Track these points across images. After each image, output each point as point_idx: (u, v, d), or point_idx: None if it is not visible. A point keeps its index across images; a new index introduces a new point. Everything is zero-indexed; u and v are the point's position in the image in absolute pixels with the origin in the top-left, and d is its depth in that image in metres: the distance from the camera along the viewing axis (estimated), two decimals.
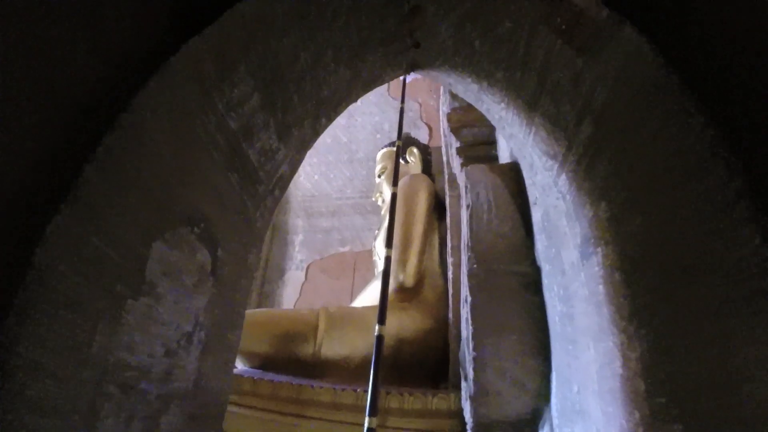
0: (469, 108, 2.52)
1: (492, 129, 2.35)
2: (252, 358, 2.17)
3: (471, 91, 1.63)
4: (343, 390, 1.83)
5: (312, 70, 1.48)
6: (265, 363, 2.15)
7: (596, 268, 0.99)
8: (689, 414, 0.68)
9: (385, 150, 3.57)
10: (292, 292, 5.04)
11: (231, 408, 1.99)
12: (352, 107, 5.22)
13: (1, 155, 0.66)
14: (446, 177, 2.65)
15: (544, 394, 1.34)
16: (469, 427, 1.39)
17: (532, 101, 1.26)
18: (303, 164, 5.44)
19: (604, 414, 0.90)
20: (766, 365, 0.59)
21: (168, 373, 0.90)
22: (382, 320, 1.27)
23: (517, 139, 1.46)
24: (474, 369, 1.35)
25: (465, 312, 1.55)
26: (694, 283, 0.70)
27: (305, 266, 5.13)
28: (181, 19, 1.01)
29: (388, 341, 2.14)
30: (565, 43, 1.05)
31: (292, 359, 2.13)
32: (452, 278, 2.17)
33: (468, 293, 1.49)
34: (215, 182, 1.11)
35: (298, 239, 5.30)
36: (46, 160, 0.72)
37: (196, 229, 1.02)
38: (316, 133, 1.77)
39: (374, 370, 1.07)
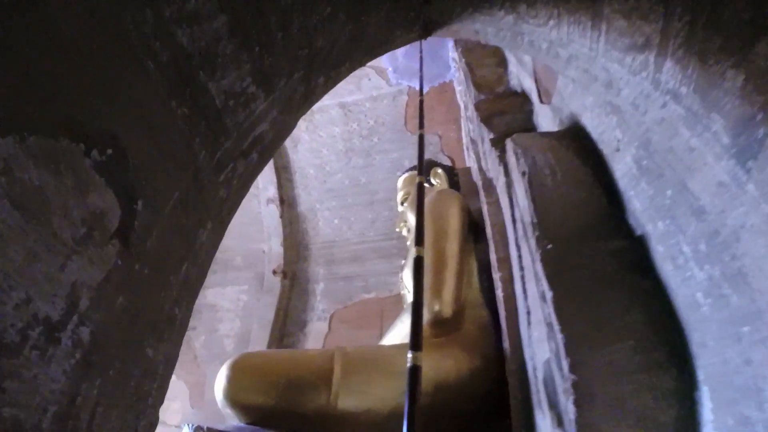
0: (498, 97, 2.16)
1: (527, 115, 1.95)
2: (247, 412, 1.69)
3: (505, 27, 1.26)
4: None
5: (302, 7, 1.14)
6: (264, 418, 1.67)
7: None
8: None
9: (406, 175, 3.18)
10: (315, 345, 4.51)
11: None
12: (368, 147, 4.99)
13: None
14: (480, 184, 2.21)
15: (689, 427, 0.80)
16: None
17: None
18: (321, 209, 5.15)
19: None
20: None
21: None
22: (416, 345, 0.81)
23: (581, 59, 1.04)
24: (575, 402, 0.82)
25: (543, 317, 1.03)
26: None
27: (328, 316, 4.61)
28: None
29: (423, 386, 1.61)
30: None
31: (300, 413, 1.64)
32: (503, 297, 1.67)
33: (546, 286, 1.00)
34: (145, 105, 0.73)
35: (319, 288, 4.83)
36: None
37: (95, 154, 0.62)
38: (311, 94, 1.40)
39: (408, 420, 0.61)
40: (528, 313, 1.31)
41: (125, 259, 0.67)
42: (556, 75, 1.59)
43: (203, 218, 0.90)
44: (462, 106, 3.39)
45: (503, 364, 1.70)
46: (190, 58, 0.87)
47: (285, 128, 1.30)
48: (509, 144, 1.46)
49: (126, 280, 0.67)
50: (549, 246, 1.04)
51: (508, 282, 1.68)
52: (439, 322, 1.89)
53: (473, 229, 2.43)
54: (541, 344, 1.07)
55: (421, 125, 1.63)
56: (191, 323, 5.58)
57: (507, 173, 1.61)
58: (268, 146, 1.20)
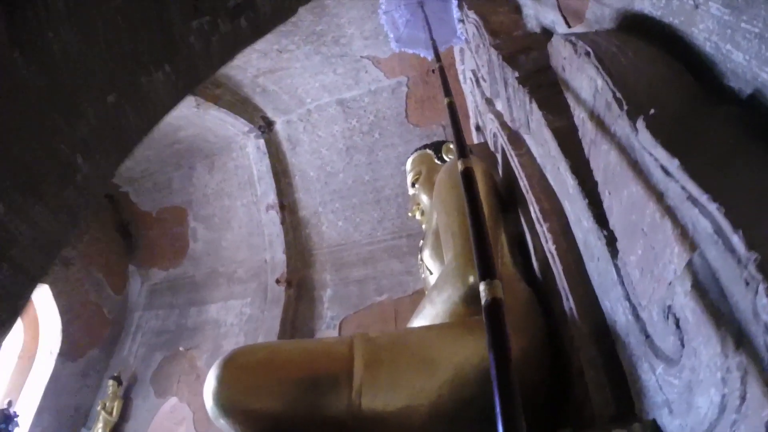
0: (518, 37, 1.92)
1: None
2: (247, 421, 1.36)
3: None
4: None
5: None
6: (269, 428, 1.35)
7: None
8: None
9: (416, 155, 2.86)
10: None
11: None
12: (370, 143, 4.76)
13: None
14: (505, 138, 1.93)
15: None
16: None
17: None
18: (324, 212, 4.90)
19: None
20: None
21: None
22: (489, 272, 0.61)
23: None
24: None
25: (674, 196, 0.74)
26: None
27: (338, 323, 4.34)
28: None
29: (464, 376, 1.34)
30: None
31: (315, 419, 1.33)
32: (557, 251, 1.37)
33: (665, 156, 0.70)
34: None
35: (326, 295, 4.56)
36: None
37: None
38: None
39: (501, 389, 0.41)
40: (610, 241, 1.01)
41: None
42: None
43: (160, 58, 0.67)
44: (468, 75, 3.13)
45: (552, 344, 1.44)
46: None
47: (284, 7, 1.07)
48: (555, 40, 1.22)
49: None
50: (652, 111, 0.80)
51: (560, 234, 1.38)
52: (473, 299, 1.53)
53: (498, 202, 2.16)
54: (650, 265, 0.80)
55: (448, 93, 1.39)
56: (194, 341, 5.22)
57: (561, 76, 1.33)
58: (262, 20, 0.97)
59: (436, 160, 2.68)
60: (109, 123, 0.83)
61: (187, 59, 0.76)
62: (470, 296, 1.55)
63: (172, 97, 0.82)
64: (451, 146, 2.68)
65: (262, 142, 4.83)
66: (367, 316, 4.29)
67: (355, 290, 4.45)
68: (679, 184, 0.69)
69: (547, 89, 1.51)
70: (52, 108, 0.68)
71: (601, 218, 1.05)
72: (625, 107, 0.86)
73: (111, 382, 5.77)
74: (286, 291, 4.64)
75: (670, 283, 0.72)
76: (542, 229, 1.46)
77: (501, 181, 2.28)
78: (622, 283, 0.96)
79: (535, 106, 1.47)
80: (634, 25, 1.10)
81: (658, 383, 0.80)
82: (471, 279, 1.55)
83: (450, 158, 2.63)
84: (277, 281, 4.75)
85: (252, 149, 4.90)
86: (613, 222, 1.00)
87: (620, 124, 0.90)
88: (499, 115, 2.08)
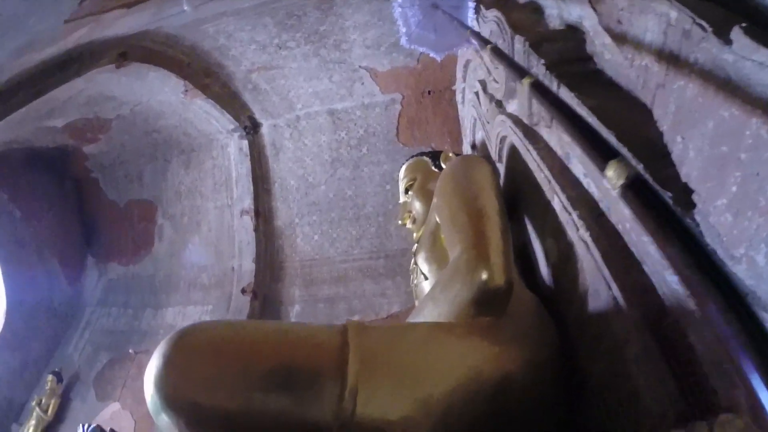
0: (541, 31, 1.85)
1: (579, 43, 1.64)
2: (203, 420, 1.05)
3: None
4: None
5: None
6: (229, 429, 1.06)
7: None
8: None
9: (411, 161, 2.73)
10: None
11: None
12: (356, 157, 4.60)
13: None
14: (521, 134, 1.82)
15: None
16: None
17: None
18: (301, 224, 4.68)
19: None
20: None
21: None
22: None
23: None
24: None
25: None
26: None
27: None
28: None
29: (466, 392, 1.14)
30: None
31: (288, 423, 1.04)
32: (591, 237, 1.23)
33: None
34: None
35: (293, 311, 4.31)
36: None
37: None
38: None
39: None
40: (680, 197, 0.91)
41: None
42: None
43: None
44: (470, 90, 3.03)
45: (567, 360, 1.31)
46: None
47: None
48: None
49: None
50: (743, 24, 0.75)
51: (591, 220, 1.28)
52: (488, 295, 1.32)
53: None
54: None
55: (487, 42, 1.27)
56: (144, 345, 4.86)
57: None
58: None
59: (433, 168, 2.56)
60: None
61: None
62: (481, 297, 1.34)
63: None
64: (450, 154, 2.58)
65: (245, 143, 4.62)
66: None
67: (324, 309, 4.22)
68: None
69: (573, 78, 1.47)
70: None
71: (665, 180, 0.94)
72: (709, 28, 0.84)
73: (50, 377, 5.32)
74: (252, 302, 4.38)
75: None
76: (571, 217, 1.35)
77: (502, 189, 2.16)
78: None
79: (564, 89, 1.41)
80: None
81: None
82: (483, 275, 1.33)
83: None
84: (243, 291, 4.48)
85: (234, 149, 4.69)
86: (687, 171, 0.92)
87: (704, 48, 0.86)
88: (510, 116, 2.00)
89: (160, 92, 4.35)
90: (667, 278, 0.98)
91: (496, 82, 2.23)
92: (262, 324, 1.39)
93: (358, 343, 1.14)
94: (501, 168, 2.21)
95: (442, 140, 4.59)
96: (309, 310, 4.26)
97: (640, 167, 0.99)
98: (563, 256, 1.51)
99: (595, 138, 0.75)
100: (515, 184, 1.80)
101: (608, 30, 1.35)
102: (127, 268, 5.83)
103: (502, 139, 2.13)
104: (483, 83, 2.61)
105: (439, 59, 2.46)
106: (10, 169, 5.57)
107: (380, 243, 4.33)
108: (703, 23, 0.85)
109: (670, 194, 0.92)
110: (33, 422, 5.07)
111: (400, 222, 2.55)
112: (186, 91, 4.25)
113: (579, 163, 1.43)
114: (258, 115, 4.63)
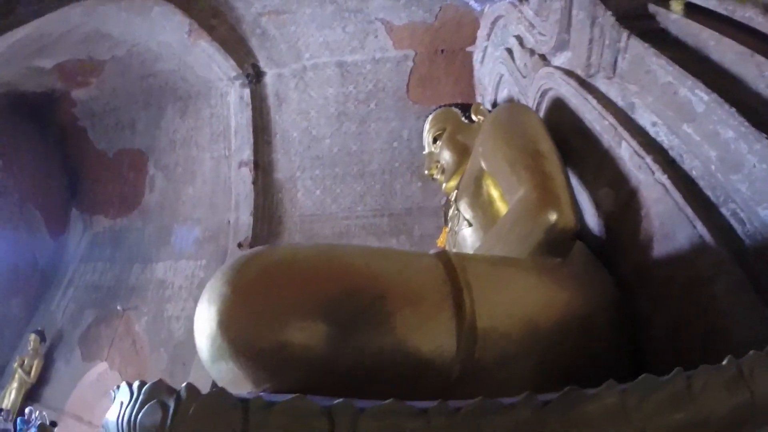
0: None
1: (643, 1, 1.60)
2: (280, 368, 0.88)
3: None
4: None
5: None
6: (312, 377, 0.86)
7: None
8: None
9: (439, 111, 2.69)
10: None
11: None
12: (364, 113, 4.44)
13: None
14: (575, 85, 1.85)
15: None
16: None
17: None
18: (302, 178, 4.51)
19: None
20: None
21: None
22: None
23: None
24: None
25: None
26: None
27: None
28: None
29: (555, 326, 1.11)
30: None
31: (396, 368, 0.89)
32: (670, 179, 1.30)
33: None
34: None
35: None
36: None
37: None
38: None
39: None
40: None
41: None
42: None
43: None
44: (502, 47, 2.96)
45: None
46: None
47: None
48: None
49: None
50: None
51: (666, 164, 1.35)
52: (560, 234, 1.34)
53: None
54: None
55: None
56: (133, 302, 4.64)
57: None
58: None
59: (463, 119, 2.51)
60: None
61: None
62: (553, 239, 1.35)
63: None
64: (482, 107, 2.56)
65: (247, 92, 4.41)
66: None
67: None
68: None
69: (640, 32, 1.54)
70: None
71: (757, 120, 1.05)
72: None
73: (33, 336, 5.11)
74: None
75: None
76: (645, 161, 1.41)
77: None
78: None
79: (634, 40, 1.49)
80: None
81: None
82: (552, 217, 1.34)
83: (480, 118, 2.49)
84: (240, 245, 4.31)
85: (234, 98, 4.47)
86: None
87: None
88: (559, 68, 2.02)
89: (162, 32, 4.11)
90: (760, 213, 1.06)
91: (543, 35, 2.20)
92: (345, 246, 1.31)
93: (464, 267, 1.09)
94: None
95: (452, 100, 4.42)
96: None
97: (731, 110, 1.11)
98: (621, 205, 1.56)
99: None
100: (559, 136, 1.79)
101: None
102: (114, 221, 5.60)
103: (544, 93, 2.14)
104: (519, 38, 2.59)
105: (478, 8, 2.38)
106: None
107: (385, 201, 4.21)
108: None
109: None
110: (15, 384, 4.89)
111: (426, 172, 2.55)
112: (190, 31, 4.02)
113: (648, 111, 1.48)
114: (263, 64, 4.42)
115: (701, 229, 1.19)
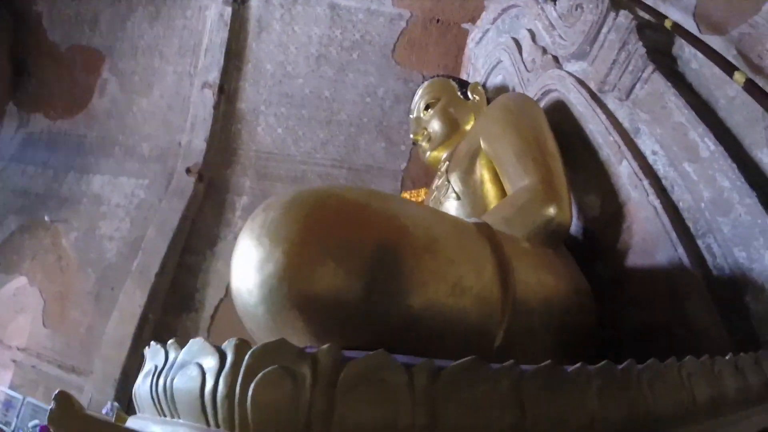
0: (638, 16, 1.96)
1: (670, 41, 1.85)
2: (339, 325, 0.85)
3: None
4: None
5: None
6: (366, 333, 0.84)
7: None
8: None
9: (436, 80, 2.73)
10: (225, 269, 3.60)
11: None
12: (345, 61, 4.28)
13: None
14: (587, 94, 2.04)
15: None
16: None
17: None
18: (266, 113, 4.29)
19: None
20: None
21: None
22: None
23: None
24: None
25: None
26: None
27: None
28: None
29: (567, 299, 1.32)
30: None
31: (446, 325, 0.92)
32: (662, 205, 1.54)
33: None
34: None
35: (240, 202, 3.97)
36: None
37: None
38: None
39: None
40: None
41: None
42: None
43: None
44: (508, 35, 3.02)
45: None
46: None
47: None
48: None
49: None
50: None
51: (659, 191, 1.58)
52: (557, 228, 1.51)
53: None
54: None
55: (663, 17, 1.65)
56: (63, 214, 4.27)
57: None
58: None
59: (459, 94, 2.56)
60: None
61: None
62: (552, 226, 1.50)
63: None
64: (480, 88, 2.59)
65: (229, 10, 4.14)
66: None
67: None
68: None
69: (664, 70, 1.74)
70: None
71: (751, 179, 1.28)
72: None
73: None
74: (196, 184, 3.98)
75: None
76: (642, 184, 1.60)
77: None
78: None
79: (658, 76, 1.68)
80: None
81: None
82: (551, 211, 1.49)
83: (476, 98, 2.54)
84: (188, 171, 4.06)
85: (214, 14, 4.18)
86: None
87: None
88: (571, 75, 2.16)
89: None
90: (735, 254, 1.29)
91: (563, 39, 2.28)
92: (406, 201, 1.36)
93: (505, 241, 1.17)
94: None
95: (435, 71, 4.36)
96: (258, 203, 3.93)
97: (730, 163, 1.35)
98: (606, 214, 1.79)
99: None
100: (555, 136, 1.92)
101: (743, 56, 1.49)
102: (54, 122, 5.13)
103: (547, 92, 2.26)
104: (532, 33, 2.65)
105: None
106: None
107: (347, 153, 4.09)
108: None
109: (756, 192, 1.29)
110: None
111: (412, 136, 2.59)
112: None
113: (652, 139, 1.67)
114: None
115: (681, 253, 1.39)
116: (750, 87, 1.26)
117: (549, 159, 1.70)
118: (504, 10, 3.16)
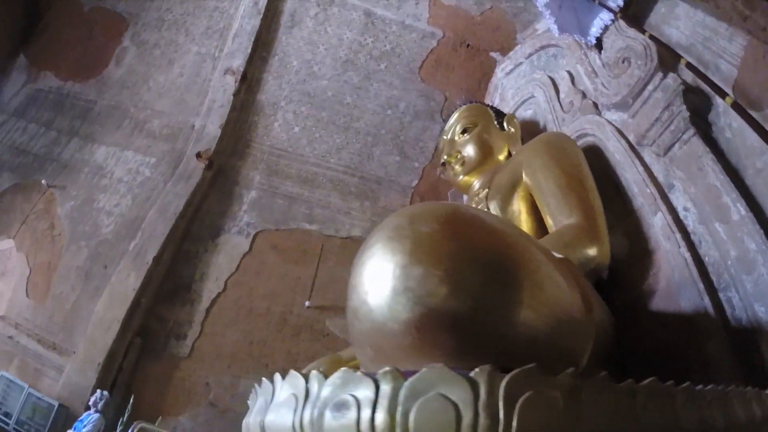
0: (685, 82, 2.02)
1: (708, 107, 1.89)
2: (468, 338, 0.79)
3: None
4: None
5: None
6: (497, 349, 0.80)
7: None
8: None
9: (474, 105, 2.77)
10: (226, 263, 3.59)
11: None
12: (372, 69, 4.25)
13: None
14: (625, 144, 2.16)
15: None
16: None
17: None
18: (286, 109, 4.21)
19: None
20: None
21: None
22: None
23: None
24: None
25: None
26: None
27: (252, 233, 3.72)
28: None
29: (603, 319, 1.45)
30: None
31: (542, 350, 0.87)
32: (692, 257, 1.66)
33: None
34: None
35: (248, 195, 3.92)
36: None
37: None
38: None
39: None
40: None
41: None
42: None
43: None
44: (544, 73, 3.07)
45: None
46: None
47: None
48: None
49: None
50: None
51: (689, 244, 1.71)
52: (596, 267, 1.69)
53: None
54: None
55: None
56: (61, 179, 4.09)
57: None
58: None
59: (495, 123, 2.62)
60: None
61: None
62: (592, 265, 1.67)
63: None
64: (515, 120, 2.66)
65: (264, 0, 4.07)
66: (289, 239, 3.75)
67: (283, 205, 3.89)
68: None
69: (700, 132, 1.85)
70: None
71: None
72: None
73: None
74: (204, 171, 3.89)
75: None
76: (675, 236, 1.74)
77: None
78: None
79: (697, 139, 1.79)
80: None
81: None
82: (591, 252, 1.67)
83: (511, 129, 2.61)
84: (198, 155, 3.97)
85: (248, 1, 4.11)
86: None
87: None
88: (611, 123, 2.25)
89: None
90: (756, 308, 1.44)
91: (606, 88, 2.34)
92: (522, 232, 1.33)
93: (574, 266, 1.39)
94: None
95: (456, 93, 4.38)
96: (265, 200, 3.90)
97: (758, 228, 1.50)
98: (634, 257, 1.92)
99: None
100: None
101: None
102: (64, 83, 4.97)
103: (583, 135, 2.35)
104: (571, 75, 2.72)
105: (557, 35, 2.59)
106: None
107: (360, 162, 4.07)
108: None
109: None
110: None
111: (445, 158, 2.61)
112: None
113: (685, 197, 1.80)
114: None
115: (707, 302, 1.54)
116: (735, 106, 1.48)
117: (591, 197, 1.83)
118: (542, 48, 3.18)
